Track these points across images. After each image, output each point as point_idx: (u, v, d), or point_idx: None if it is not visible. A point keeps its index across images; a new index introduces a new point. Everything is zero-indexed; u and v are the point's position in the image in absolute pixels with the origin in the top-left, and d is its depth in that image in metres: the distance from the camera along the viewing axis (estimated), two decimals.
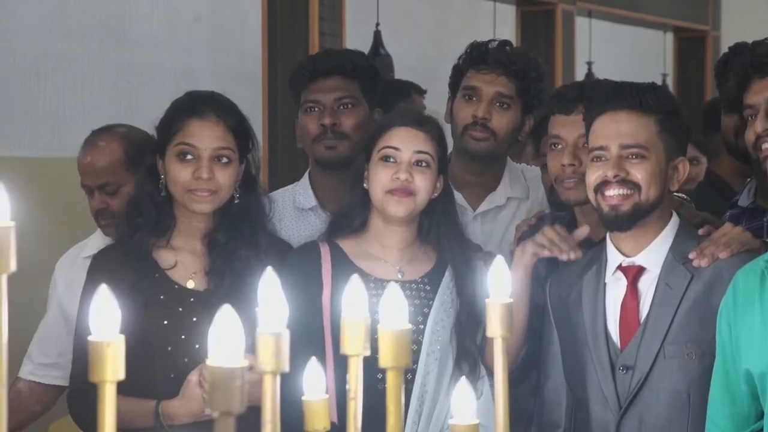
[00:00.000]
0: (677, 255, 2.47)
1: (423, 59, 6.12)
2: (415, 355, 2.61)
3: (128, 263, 2.62)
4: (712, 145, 3.86)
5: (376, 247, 2.70)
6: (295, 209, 3.11)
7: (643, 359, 2.43)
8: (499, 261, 1.38)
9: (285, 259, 2.66)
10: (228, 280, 2.61)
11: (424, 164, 2.65)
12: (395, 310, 1.24)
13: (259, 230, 2.69)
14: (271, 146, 4.44)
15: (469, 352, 2.63)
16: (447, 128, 2.96)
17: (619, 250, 2.51)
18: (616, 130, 2.46)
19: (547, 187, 3.02)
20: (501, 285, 1.35)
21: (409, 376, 2.60)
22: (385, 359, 1.22)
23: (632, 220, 2.46)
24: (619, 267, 2.51)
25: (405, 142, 2.65)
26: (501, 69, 3.09)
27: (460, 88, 3.14)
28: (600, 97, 2.54)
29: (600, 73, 6.21)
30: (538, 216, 2.92)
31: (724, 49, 8.36)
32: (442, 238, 2.70)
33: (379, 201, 2.66)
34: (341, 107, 3.06)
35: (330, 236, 2.72)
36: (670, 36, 7.54)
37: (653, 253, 2.49)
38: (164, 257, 2.66)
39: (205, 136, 2.62)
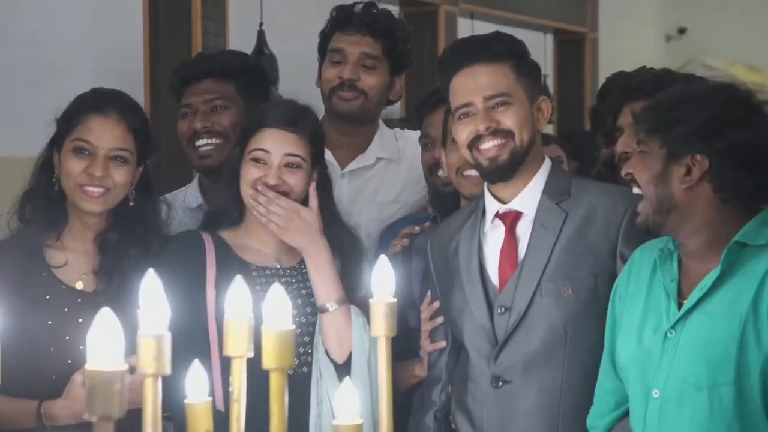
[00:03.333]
0: (551, 195, 2.51)
1: (309, 59, 6.10)
2: (309, 345, 2.64)
3: (16, 259, 2.57)
4: (596, 144, 3.95)
5: (253, 239, 2.71)
6: (184, 209, 3.12)
7: (520, 298, 2.47)
8: (383, 261, 1.39)
9: (166, 248, 2.65)
10: (117, 280, 2.58)
11: (295, 166, 2.66)
12: (278, 310, 1.24)
13: (152, 232, 2.66)
14: None
15: None
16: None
17: (497, 198, 2.54)
18: (476, 84, 2.49)
19: (432, 186, 3.04)
20: (384, 285, 1.35)
21: (305, 369, 2.62)
22: (268, 360, 1.22)
23: (512, 168, 2.49)
24: (497, 214, 2.54)
25: (275, 145, 2.66)
26: (366, 30, 3.13)
27: (327, 51, 3.17)
28: (452, 55, 2.56)
29: None
30: (409, 233, 2.93)
31: (602, 50, 8.59)
32: (324, 229, 2.69)
33: (248, 199, 2.66)
34: (213, 110, 3.05)
35: (209, 228, 2.72)
36: (550, 37, 7.66)
37: (528, 197, 2.53)
38: (54, 256, 2.62)
39: (105, 134, 2.59)
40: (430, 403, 2.69)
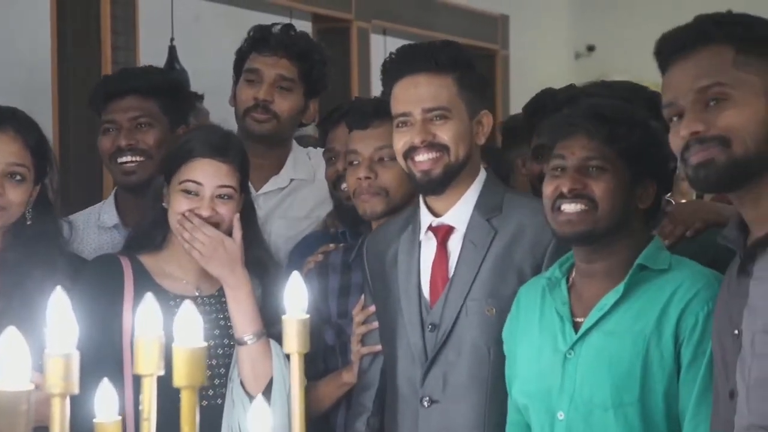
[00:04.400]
0: (482, 211, 2.50)
1: (221, 75, 6.08)
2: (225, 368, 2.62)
3: None
4: (508, 160, 3.97)
5: (174, 266, 2.67)
6: (98, 228, 3.06)
7: (448, 316, 2.46)
8: (295, 277, 1.38)
9: (81, 272, 2.60)
10: (17, 300, 2.52)
11: (226, 197, 2.63)
12: (190, 328, 1.22)
13: (56, 251, 2.61)
14: (62, 162, 4.32)
15: None
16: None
17: (431, 210, 2.53)
18: (416, 94, 2.47)
19: (336, 200, 3.04)
20: (297, 301, 1.35)
21: (219, 401, 2.59)
22: (179, 378, 1.20)
23: (445, 182, 2.48)
24: (430, 227, 2.53)
25: (207, 177, 2.62)
26: (283, 52, 3.11)
27: (243, 71, 3.15)
28: (396, 61, 2.54)
29: None
30: (324, 251, 2.93)
31: (513, 67, 8.68)
32: (247, 253, 2.67)
33: (178, 230, 2.62)
34: (138, 127, 3.01)
35: (129, 252, 2.67)
36: None
37: (460, 212, 2.51)
38: None
39: (1, 150, 2.54)
40: (363, 408, 2.68)
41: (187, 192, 2.62)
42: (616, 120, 2.21)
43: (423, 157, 2.46)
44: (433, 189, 2.50)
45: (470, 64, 2.54)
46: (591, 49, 10.93)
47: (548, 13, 10.42)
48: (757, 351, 1.88)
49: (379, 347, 2.65)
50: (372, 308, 2.67)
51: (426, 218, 2.54)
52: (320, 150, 3.31)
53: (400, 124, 2.49)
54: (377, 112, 2.74)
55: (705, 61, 1.89)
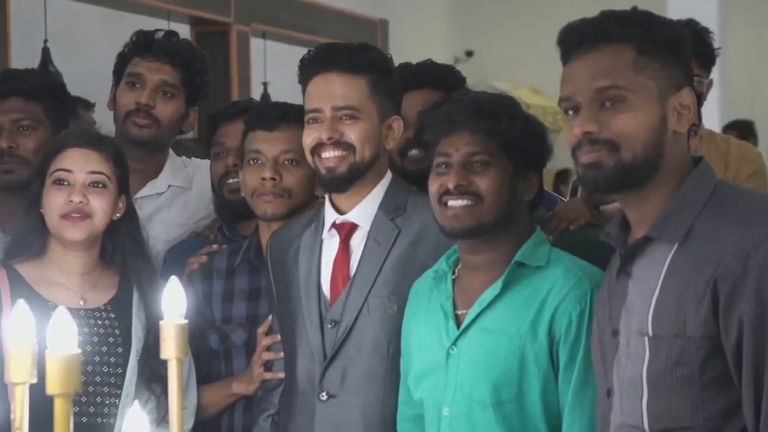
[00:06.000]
0: (387, 210, 2.51)
1: (97, 77, 5.98)
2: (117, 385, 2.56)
3: None
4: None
5: (56, 272, 2.60)
6: None
7: (349, 313, 2.46)
8: (173, 282, 1.36)
9: None
10: None
11: (100, 185, 2.58)
12: (63, 335, 1.19)
13: None
14: None
15: (157, 373, 2.57)
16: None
17: (336, 208, 2.53)
18: (329, 92, 2.48)
19: (219, 196, 3.01)
20: (175, 306, 1.32)
21: (100, 419, 2.52)
22: (52, 386, 1.17)
23: (349, 181, 2.48)
24: (333, 224, 2.54)
25: (78, 164, 2.57)
26: (166, 58, 3.09)
27: (125, 74, 3.12)
28: (313, 59, 2.54)
29: (276, 94, 6.29)
30: (208, 252, 2.91)
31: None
32: (128, 260, 2.63)
33: (55, 226, 2.56)
34: (20, 129, 2.94)
35: (7, 260, 2.61)
36: None
37: (364, 210, 2.52)
38: None
39: None
40: (269, 405, 2.68)
41: (59, 182, 2.57)
42: (496, 114, 2.24)
43: (329, 154, 2.47)
44: (338, 186, 2.50)
45: (387, 70, 2.56)
46: (470, 54, 11.07)
47: (427, 19, 10.53)
48: (632, 352, 1.92)
49: (282, 374, 2.65)
50: (269, 319, 2.68)
51: (330, 216, 2.55)
52: (195, 159, 3.28)
53: (310, 120, 2.50)
54: (285, 117, 2.77)
55: (605, 60, 1.91)
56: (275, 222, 2.75)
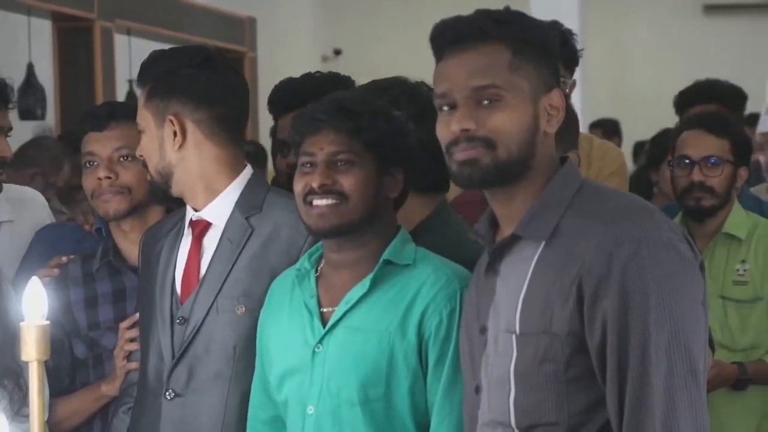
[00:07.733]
0: (242, 209, 2.49)
1: None
2: None
3: None
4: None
5: None
6: None
7: (197, 312, 2.45)
8: (34, 283, 1.33)
9: None
10: None
11: None
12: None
13: None
14: None
15: (10, 369, 2.52)
16: None
17: (193, 206, 2.52)
18: None
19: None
20: (35, 307, 1.29)
21: None
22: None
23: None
24: (189, 222, 2.52)
25: None
26: None
27: None
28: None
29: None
30: (58, 264, 2.83)
31: (262, 69, 8.66)
32: None
33: None
34: None
35: None
36: None
37: (219, 208, 2.50)
38: None
39: None
40: (130, 399, 2.65)
41: None
42: (359, 112, 2.24)
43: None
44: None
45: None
46: (338, 52, 11.10)
47: (295, 18, 10.52)
48: (500, 349, 1.94)
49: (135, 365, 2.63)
50: (136, 316, 2.64)
51: (189, 214, 2.53)
52: (26, 188, 3.22)
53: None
54: (113, 114, 2.76)
55: (483, 59, 1.94)
56: (122, 221, 2.75)
